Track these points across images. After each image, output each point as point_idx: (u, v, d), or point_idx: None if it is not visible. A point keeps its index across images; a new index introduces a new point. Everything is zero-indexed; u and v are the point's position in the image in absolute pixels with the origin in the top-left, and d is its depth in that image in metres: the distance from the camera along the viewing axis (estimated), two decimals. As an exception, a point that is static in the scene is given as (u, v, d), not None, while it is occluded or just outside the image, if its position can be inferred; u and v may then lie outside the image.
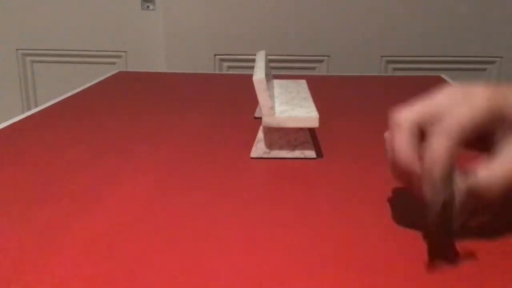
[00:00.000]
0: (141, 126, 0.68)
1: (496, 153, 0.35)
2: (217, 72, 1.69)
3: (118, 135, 0.64)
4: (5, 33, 1.80)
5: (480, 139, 0.36)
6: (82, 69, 1.79)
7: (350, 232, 0.39)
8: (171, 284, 0.32)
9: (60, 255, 0.35)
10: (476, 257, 0.34)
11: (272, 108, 0.53)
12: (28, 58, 1.83)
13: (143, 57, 1.78)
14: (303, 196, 0.46)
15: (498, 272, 0.33)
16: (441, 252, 0.35)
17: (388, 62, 1.72)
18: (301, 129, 0.55)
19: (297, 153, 0.55)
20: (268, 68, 0.66)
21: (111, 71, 1.10)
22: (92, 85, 0.95)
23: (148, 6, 1.74)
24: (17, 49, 1.82)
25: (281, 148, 0.55)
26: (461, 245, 0.36)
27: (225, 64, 1.73)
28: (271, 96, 0.56)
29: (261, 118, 0.54)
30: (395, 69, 1.73)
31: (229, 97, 0.88)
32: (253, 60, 0.65)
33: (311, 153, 0.55)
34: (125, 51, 1.79)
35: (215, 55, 1.71)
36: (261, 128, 0.55)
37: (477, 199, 0.34)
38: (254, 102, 0.58)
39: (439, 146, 0.34)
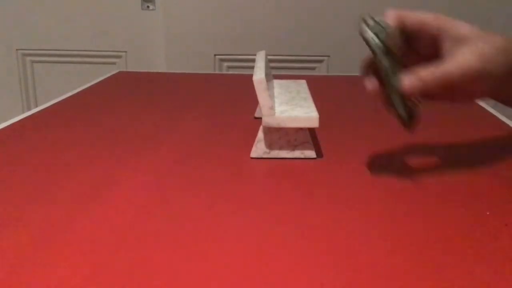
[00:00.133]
0: (141, 126, 0.68)
1: (438, 61, 0.46)
2: (217, 72, 1.69)
3: (118, 135, 0.64)
4: (5, 33, 1.80)
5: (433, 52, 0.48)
6: (82, 69, 1.79)
7: (350, 232, 0.39)
8: (171, 284, 0.32)
9: (60, 255, 0.35)
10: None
11: (272, 108, 0.53)
12: (28, 58, 1.83)
13: (143, 57, 1.78)
14: (303, 196, 0.46)
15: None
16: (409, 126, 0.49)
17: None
18: (301, 129, 0.55)
19: (297, 153, 0.55)
20: (268, 68, 0.66)
21: (111, 71, 1.10)
22: (92, 85, 0.95)
23: (148, 6, 1.74)
24: (17, 49, 1.81)
25: (281, 148, 0.55)
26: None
27: (225, 64, 1.73)
28: (271, 96, 0.56)
29: (261, 118, 0.54)
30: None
31: (229, 97, 0.88)
32: (253, 60, 0.65)
33: (311, 153, 0.55)
34: (125, 51, 1.79)
35: (215, 55, 1.71)
36: (261, 128, 0.55)
37: (421, 93, 0.46)
38: (254, 102, 0.58)
39: (409, 84, 0.46)
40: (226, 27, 1.68)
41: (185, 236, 0.38)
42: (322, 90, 0.89)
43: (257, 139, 0.55)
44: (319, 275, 0.33)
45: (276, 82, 0.72)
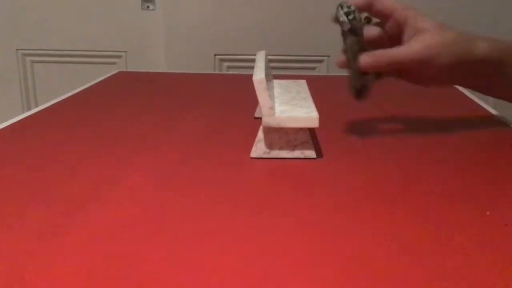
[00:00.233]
0: (141, 126, 0.68)
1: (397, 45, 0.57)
2: (217, 72, 1.69)
3: (118, 135, 0.64)
4: (5, 33, 1.80)
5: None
6: (82, 69, 1.79)
7: (350, 233, 0.39)
8: (171, 284, 0.32)
9: (60, 255, 0.35)
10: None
11: (272, 108, 0.53)
12: (28, 58, 1.83)
13: (143, 57, 1.78)
14: (303, 196, 0.46)
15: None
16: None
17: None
18: (301, 129, 0.55)
19: (297, 153, 0.55)
20: (268, 68, 0.66)
21: (111, 71, 1.10)
22: (92, 85, 0.95)
23: (148, 6, 1.74)
24: (17, 49, 1.81)
25: (281, 148, 0.55)
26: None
27: (225, 64, 1.73)
28: (271, 96, 0.56)
29: (261, 118, 0.54)
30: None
31: (229, 97, 0.88)
32: (253, 60, 0.65)
33: (311, 153, 0.55)
34: (125, 51, 1.79)
35: (215, 55, 1.71)
36: (261, 128, 0.55)
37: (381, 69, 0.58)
38: (254, 102, 0.58)
39: (365, 63, 0.57)
40: (226, 27, 1.68)
41: (185, 236, 0.38)
42: (322, 90, 0.89)
43: (257, 139, 0.55)
44: (319, 275, 0.33)
45: (276, 82, 0.72)
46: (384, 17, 0.60)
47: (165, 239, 0.37)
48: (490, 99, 0.70)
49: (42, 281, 0.32)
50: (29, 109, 1.82)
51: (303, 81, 0.74)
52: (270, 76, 0.70)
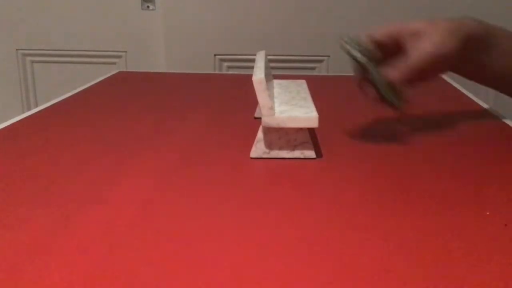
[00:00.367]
0: (141, 126, 0.68)
1: (401, 58, 0.60)
2: (217, 72, 1.69)
3: (118, 135, 0.64)
4: (5, 33, 1.80)
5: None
6: (82, 69, 1.79)
7: (349, 233, 0.39)
8: (170, 284, 0.32)
9: (60, 255, 0.35)
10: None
11: (272, 108, 0.53)
12: (28, 58, 1.83)
13: (143, 57, 1.78)
14: (302, 196, 0.46)
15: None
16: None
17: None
18: (301, 129, 0.55)
19: (296, 153, 0.55)
20: (268, 68, 0.66)
21: (111, 71, 1.10)
22: (92, 85, 0.95)
23: (148, 6, 1.74)
24: (17, 49, 1.81)
25: (280, 148, 0.55)
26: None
27: (225, 64, 1.73)
28: (271, 96, 0.56)
29: (261, 118, 0.54)
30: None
31: (229, 97, 0.88)
32: (253, 60, 0.65)
33: (311, 153, 0.55)
34: (125, 51, 1.79)
35: (215, 55, 1.71)
36: (260, 128, 0.55)
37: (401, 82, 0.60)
38: (254, 102, 0.58)
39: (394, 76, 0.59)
40: (226, 27, 1.68)
41: (185, 236, 0.38)
42: (322, 90, 0.89)
43: (256, 139, 0.55)
44: (319, 275, 0.33)
45: (276, 82, 0.73)
46: (383, 42, 0.62)
47: (165, 239, 0.37)
48: (483, 93, 0.70)
49: (42, 281, 0.32)
50: (29, 109, 1.82)
51: (303, 81, 0.74)
52: (270, 76, 0.70)
